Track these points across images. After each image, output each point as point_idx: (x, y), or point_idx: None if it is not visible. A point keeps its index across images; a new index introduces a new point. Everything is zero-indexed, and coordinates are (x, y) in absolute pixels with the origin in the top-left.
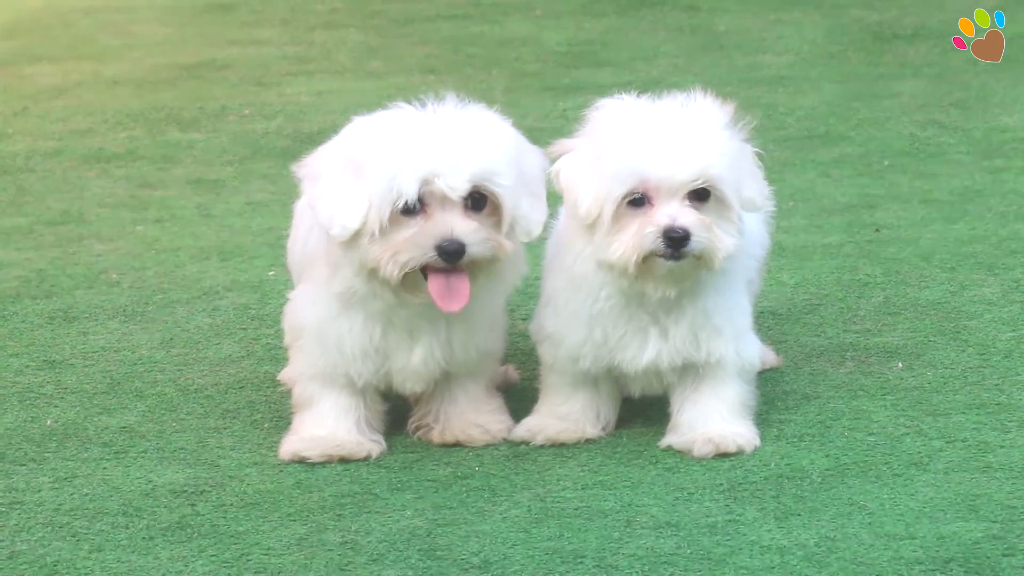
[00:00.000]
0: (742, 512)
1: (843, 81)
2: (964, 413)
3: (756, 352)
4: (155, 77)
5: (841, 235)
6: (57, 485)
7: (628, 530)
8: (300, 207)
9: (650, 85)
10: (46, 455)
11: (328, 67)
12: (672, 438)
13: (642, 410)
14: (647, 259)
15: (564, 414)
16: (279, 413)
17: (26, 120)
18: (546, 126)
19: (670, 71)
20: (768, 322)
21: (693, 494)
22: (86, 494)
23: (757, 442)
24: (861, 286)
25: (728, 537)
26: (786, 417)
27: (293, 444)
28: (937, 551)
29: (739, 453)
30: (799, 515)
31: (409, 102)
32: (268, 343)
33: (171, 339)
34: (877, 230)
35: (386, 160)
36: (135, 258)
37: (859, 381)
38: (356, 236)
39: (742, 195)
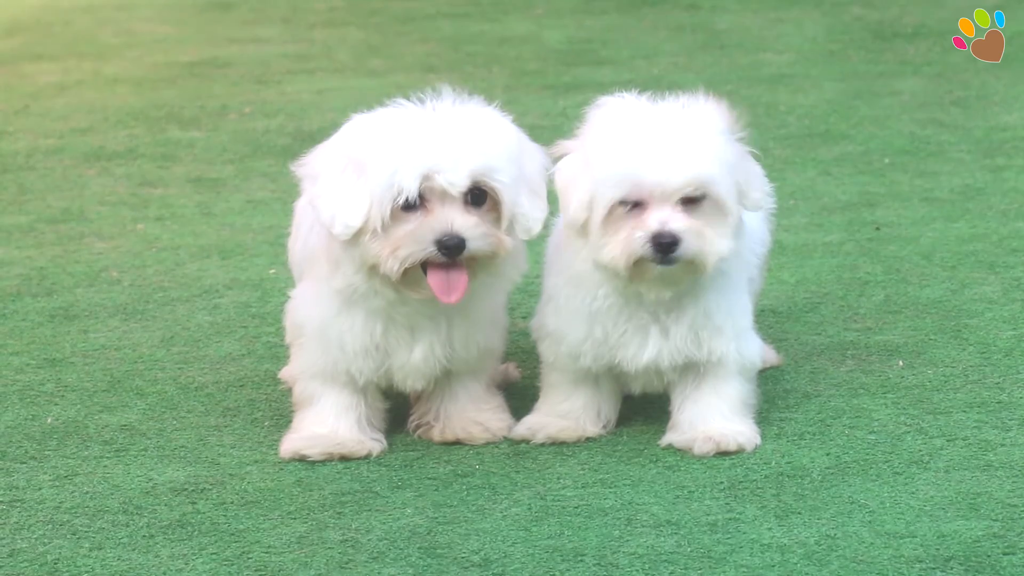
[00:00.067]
0: (742, 510)
1: (844, 79)
2: (965, 411)
3: (757, 351)
4: (156, 75)
5: (842, 233)
6: (57, 483)
7: (628, 528)
8: (301, 206)
9: (650, 83)
10: (47, 453)
11: (329, 65)
12: (673, 436)
13: (642, 408)
14: (638, 263)
15: (565, 412)
16: (280, 411)
17: (27, 118)
18: (546, 124)
19: (670, 69)
20: (769, 320)
21: (694, 492)
22: (86, 492)
23: (757, 440)
24: (862, 284)
25: (728, 535)
26: (787, 415)
27: (294, 442)
28: (938, 549)
29: (740, 451)
30: (799, 513)
31: (408, 99)
32: (269, 341)
33: (172, 337)
34: (878, 228)
35: (386, 157)
36: (136, 256)
37: (860, 379)
38: (358, 234)
39: (748, 195)
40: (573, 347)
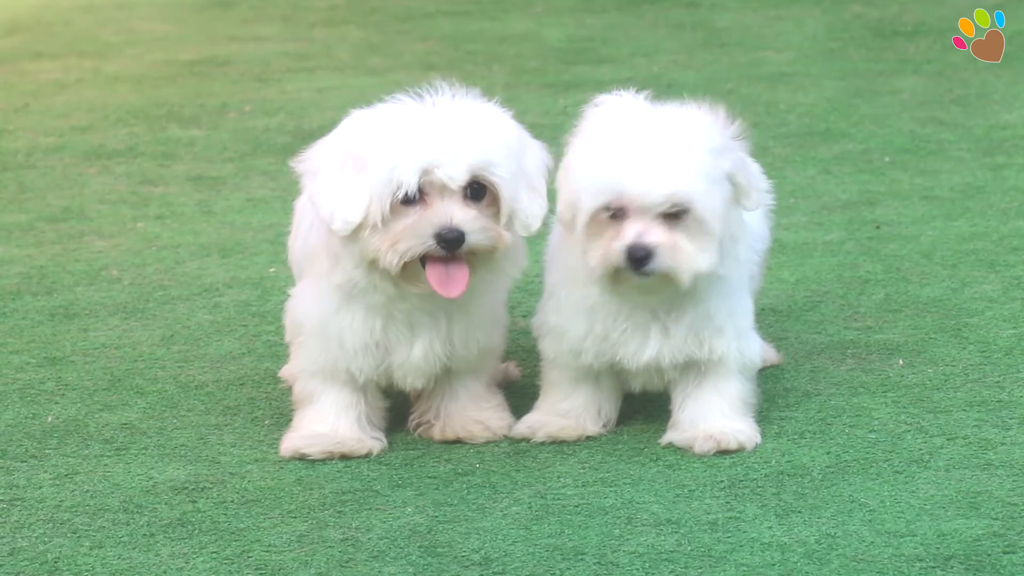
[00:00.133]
0: (743, 509)
1: (844, 78)
2: (965, 410)
3: (758, 350)
4: (156, 74)
5: (842, 232)
6: (58, 482)
7: (629, 527)
8: (301, 204)
9: (650, 81)
10: (47, 452)
11: (328, 64)
12: (673, 435)
13: (643, 407)
14: (616, 271)
15: (565, 411)
16: (280, 410)
17: (27, 116)
18: (546, 122)
19: (670, 67)
20: (769, 319)
21: (694, 491)
22: (87, 491)
23: (758, 439)
24: (862, 283)
25: (729, 534)
26: (787, 414)
27: (294, 441)
28: (938, 548)
29: (740, 450)
30: (800, 512)
31: (407, 94)
32: (269, 340)
33: (172, 336)
34: (878, 227)
35: (385, 151)
36: (136, 255)
37: (860, 378)
38: (357, 228)
39: (751, 196)
40: (574, 343)
